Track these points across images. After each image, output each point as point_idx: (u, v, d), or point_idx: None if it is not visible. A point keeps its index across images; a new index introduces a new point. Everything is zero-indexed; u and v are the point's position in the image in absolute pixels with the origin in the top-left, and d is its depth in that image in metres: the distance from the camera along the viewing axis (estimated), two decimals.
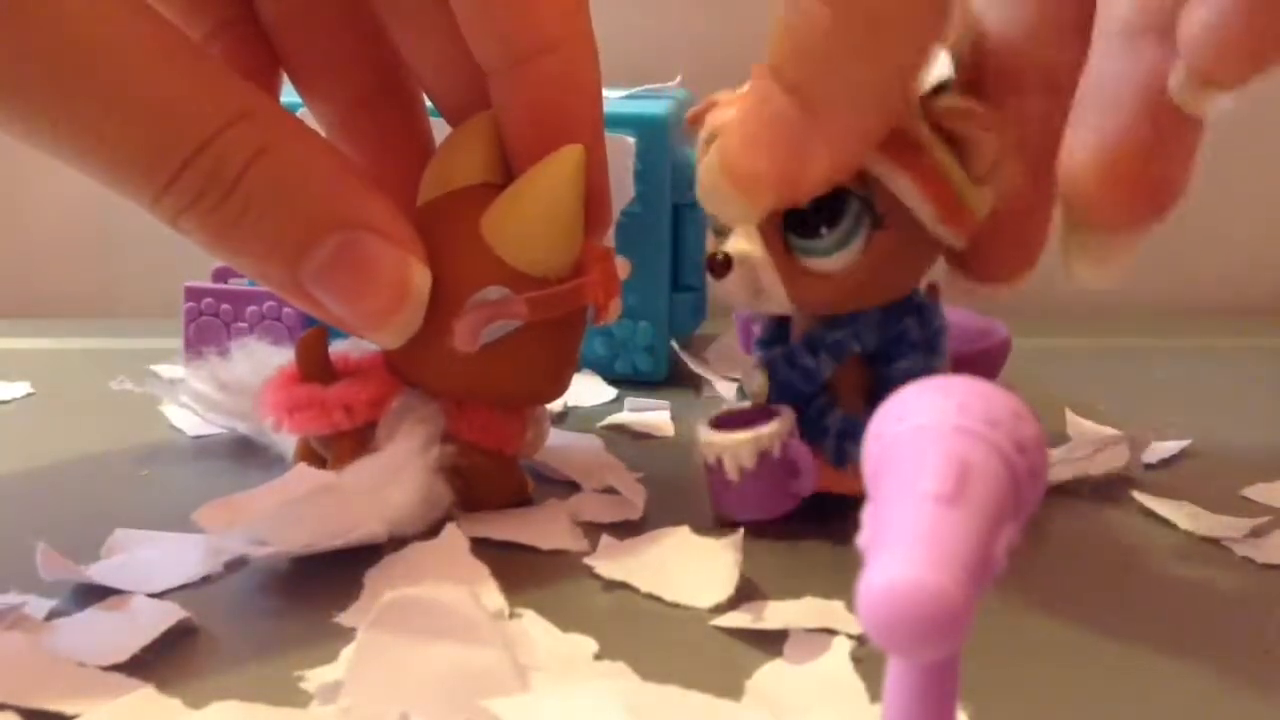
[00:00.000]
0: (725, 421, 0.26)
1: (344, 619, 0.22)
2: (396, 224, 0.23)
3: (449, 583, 0.20)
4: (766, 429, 0.25)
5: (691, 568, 0.24)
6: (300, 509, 0.24)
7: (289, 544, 0.23)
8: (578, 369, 0.29)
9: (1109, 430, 0.32)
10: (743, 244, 0.25)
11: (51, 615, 0.22)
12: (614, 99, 0.40)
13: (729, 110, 0.25)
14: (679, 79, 0.44)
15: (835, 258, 0.25)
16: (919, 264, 0.26)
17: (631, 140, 0.36)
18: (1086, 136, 0.25)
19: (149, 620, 0.21)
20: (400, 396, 0.26)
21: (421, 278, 0.24)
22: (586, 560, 0.24)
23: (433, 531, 0.25)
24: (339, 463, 0.26)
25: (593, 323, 0.27)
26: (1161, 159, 0.24)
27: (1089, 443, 0.31)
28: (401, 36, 0.28)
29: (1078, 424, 0.34)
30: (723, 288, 0.26)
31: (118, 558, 0.24)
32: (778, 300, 0.26)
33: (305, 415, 0.26)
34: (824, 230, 0.25)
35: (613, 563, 0.24)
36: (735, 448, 0.25)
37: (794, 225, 0.25)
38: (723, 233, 0.26)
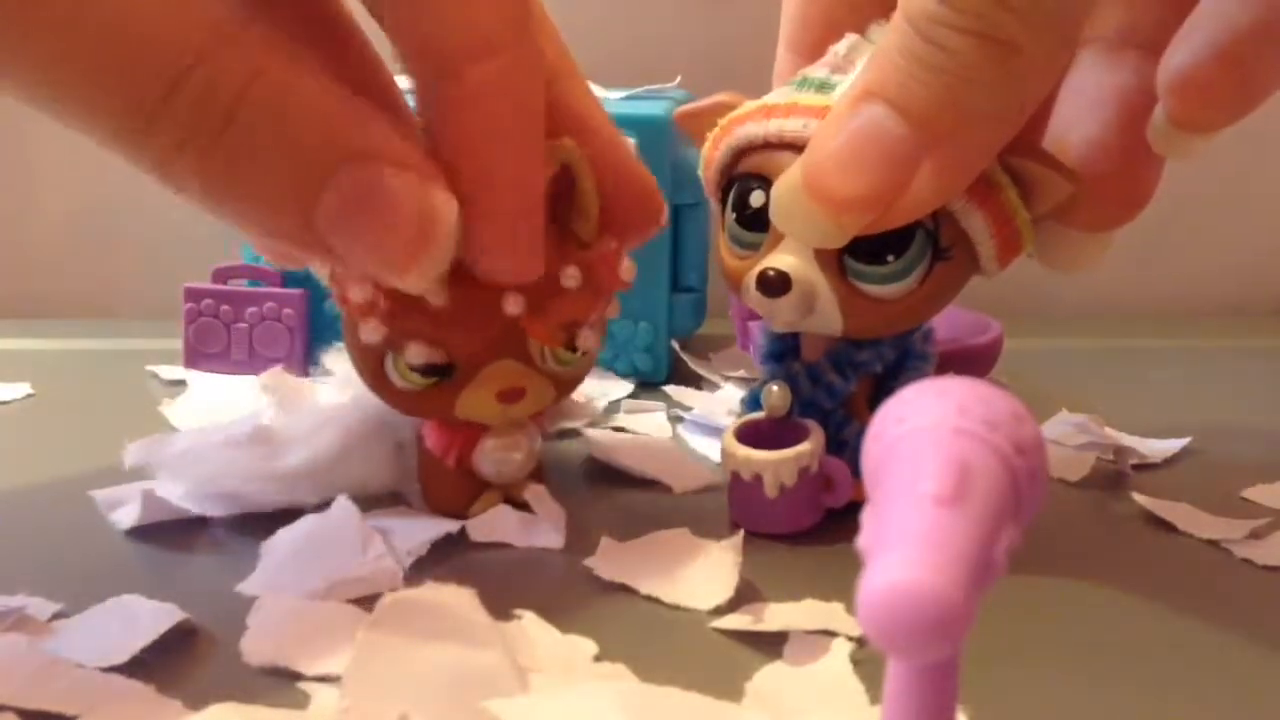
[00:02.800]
0: (750, 434, 0.26)
1: (245, 587, 0.23)
2: (412, 150, 0.21)
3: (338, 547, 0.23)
4: (808, 446, 0.25)
5: (691, 570, 0.24)
6: (218, 454, 0.26)
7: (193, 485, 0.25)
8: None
9: (1089, 436, 0.32)
10: (794, 262, 0.25)
11: (55, 617, 0.22)
12: (614, 99, 0.40)
13: (791, 120, 0.24)
14: (679, 79, 0.44)
15: (895, 286, 0.25)
16: (959, 289, 0.26)
17: (631, 141, 0.36)
18: (1066, 139, 0.26)
19: (149, 622, 0.21)
20: None
21: (447, 207, 0.21)
22: (586, 562, 0.24)
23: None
24: None
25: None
26: (1133, 165, 0.24)
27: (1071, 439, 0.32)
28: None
29: (1066, 422, 0.34)
30: (769, 305, 0.25)
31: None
32: (830, 323, 0.25)
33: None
34: (890, 258, 0.24)
35: (612, 565, 0.24)
36: (777, 465, 0.25)
37: (856, 250, 0.24)
38: (747, 244, 0.26)
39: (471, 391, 0.25)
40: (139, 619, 0.21)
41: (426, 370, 0.24)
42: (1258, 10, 0.22)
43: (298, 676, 0.20)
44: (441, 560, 0.25)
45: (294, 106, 0.19)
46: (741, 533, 0.24)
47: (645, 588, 0.23)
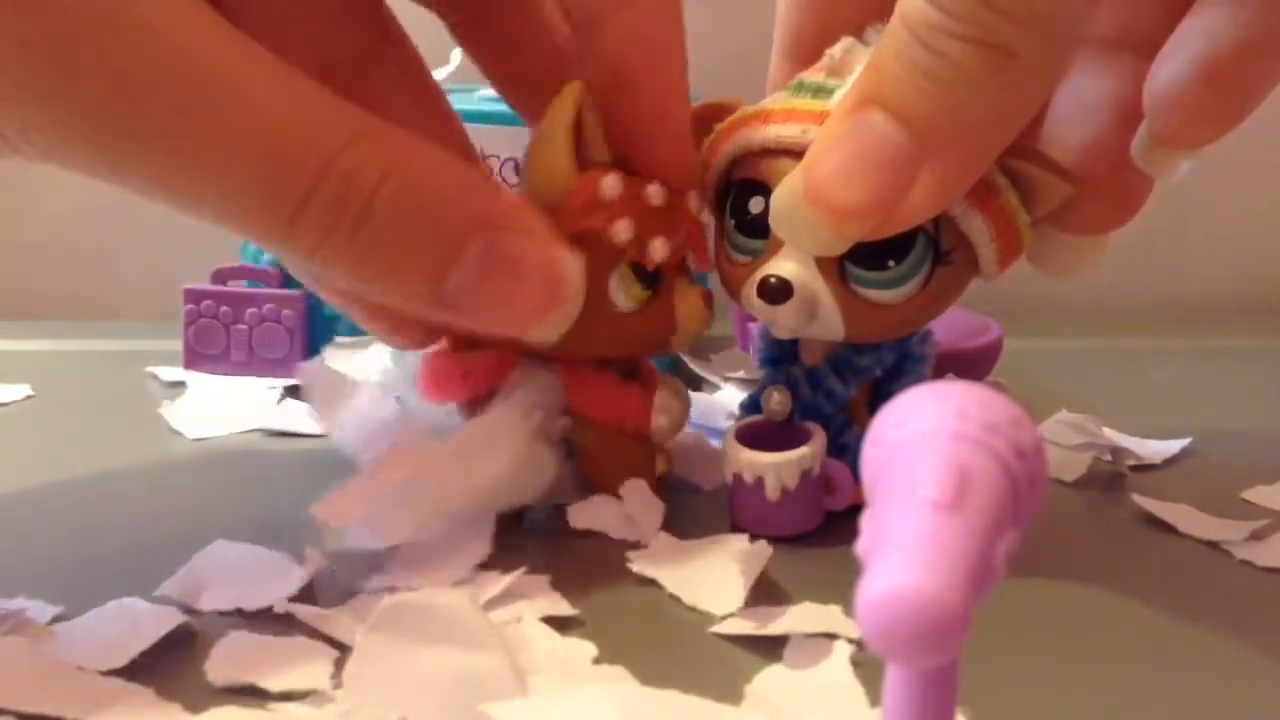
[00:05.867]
0: (751, 436, 0.26)
1: (164, 589, 0.23)
2: (532, 218, 0.22)
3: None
4: (810, 449, 0.25)
5: (709, 573, 0.24)
6: (404, 493, 0.24)
7: (397, 535, 0.23)
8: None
9: (1086, 436, 0.32)
10: (795, 268, 0.24)
11: (55, 620, 0.22)
12: None
13: (789, 126, 0.24)
14: None
15: (896, 291, 0.25)
16: (960, 292, 0.26)
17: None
18: (1060, 142, 0.26)
19: (149, 625, 0.21)
20: (520, 366, 0.26)
21: (572, 265, 0.22)
22: (628, 553, 0.25)
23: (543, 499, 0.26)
24: None
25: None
26: (1127, 169, 0.24)
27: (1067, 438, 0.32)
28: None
29: (1063, 422, 0.34)
30: (770, 312, 0.25)
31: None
32: (832, 329, 0.25)
33: (435, 383, 0.27)
34: (891, 264, 0.24)
35: (648, 560, 0.24)
36: (779, 467, 0.25)
37: (857, 256, 0.24)
38: (746, 251, 0.26)
39: (682, 295, 0.26)
40: (139, 623, 0.21)
41: (648, 279, 0.26)
42: (1239, 28, 0.22)
43: (263, 694, 0.19)
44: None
45: (425, 192, 0.21)
46: (762, 542, 0.24)
47: (671, 586, 0.24)
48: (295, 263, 0.21)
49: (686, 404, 0.28)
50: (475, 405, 0.27)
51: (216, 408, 0.35)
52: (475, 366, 0.27)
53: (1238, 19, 0.22)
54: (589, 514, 0.26)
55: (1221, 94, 0.22)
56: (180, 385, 0.38)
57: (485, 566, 0.24)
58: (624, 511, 0.27)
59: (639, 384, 0.27)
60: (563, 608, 0.23)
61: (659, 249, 0.25)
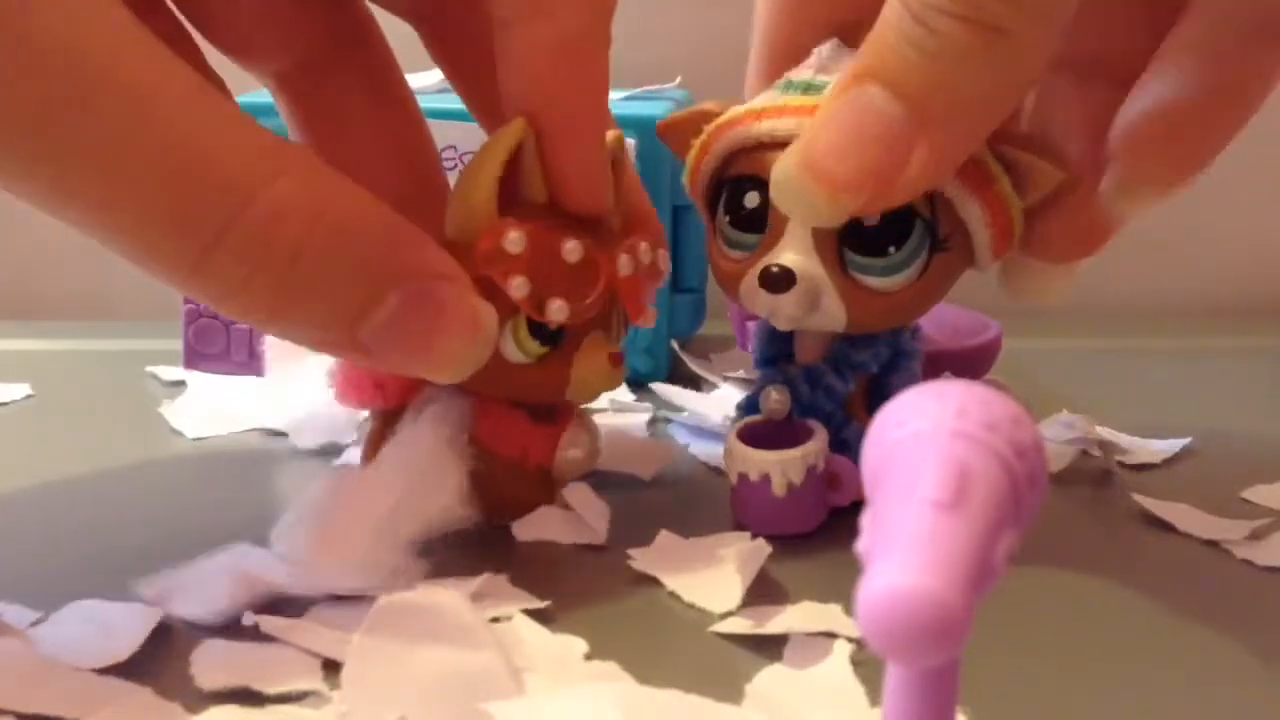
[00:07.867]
0: (751, 436, 0.26)
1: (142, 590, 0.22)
2: (454, 266, 0.22)
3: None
4: (815, 445, 0.26)
5: (709, 571, 0.24)
6: (391, 525, 0.23)
7: (386, 571, 0.22)
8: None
9: (1076, 432, 0.32)
10: (796, 258, 0.25)
11: (35, 624, 0.21)
12: (614, 100, 0.40)
13: (784, 120, 0.24)
14: (679, 79, 0.44)
15: (895, 278, 0.25)
16: (954, 280, 0.26)
17: (631, 141, 0.36)
18: None
19: (144, 624, 0.21)
20: (431, 387, 0.26)
21: (488, 314, 0.22)
22: (629, 551, 0.25)
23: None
24: (367, 443, 0.27)
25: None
26: (1099, 198, 0.25)
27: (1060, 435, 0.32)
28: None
29: (1058, 422, 0.34)
30: (772, 301, 0.25)
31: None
32: (833, 319, 0.25)
33: (350, 389, 0.26)
34: (891, 249, 0.24)
35: (648, 558, 0.24)
36: (785, 464, 0.25)
37: (856, 242, 0.24)
38: (742, 246, 0.26)
39: (585, 356, 0.25)
40: (134, 622, 0.21)
41: (548, 336, 0.25)
42: (1205, 76, 0.22)
43: (262, 696, 0.19)
44: (487, 555, 0.25)
45: (349, 240, 0.20)
46: (761, 539, 0.24)
47: (671, 583, 0.23)
48: (205, 301, 0.19)
49: (597, 437, 0.27)
50: (388, 417, 0.26)
51: (216, 408, 0.35)
52: (390, 380, 0.26)
53: (1205, 68, 0.22)
54: (535, 526, 0.26)
55: (1185, 140, 0.22)
56: (180, 385, 0.38)
57: (481, 568, 0.24)
58: (572, 516, 0.26)
59: (550, 419, 0.26)
60: (562, 606, 0.23)
61: (558, 311, 0.24)
